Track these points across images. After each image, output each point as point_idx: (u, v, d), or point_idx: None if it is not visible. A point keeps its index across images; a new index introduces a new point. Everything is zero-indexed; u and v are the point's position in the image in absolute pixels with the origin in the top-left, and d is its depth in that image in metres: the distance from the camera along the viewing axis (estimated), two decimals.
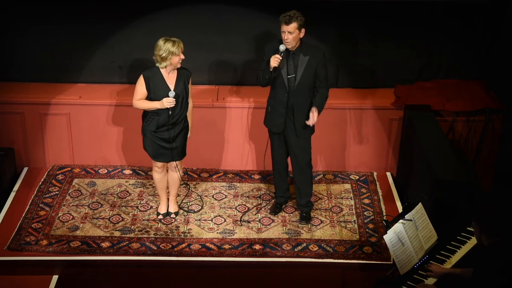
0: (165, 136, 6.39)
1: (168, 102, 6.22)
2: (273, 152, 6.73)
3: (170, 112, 6.28)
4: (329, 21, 7.36)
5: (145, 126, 6.42)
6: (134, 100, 6.36)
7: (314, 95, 6.38)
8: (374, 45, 7.52)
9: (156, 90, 6.29)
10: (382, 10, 7.30)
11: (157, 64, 6.25)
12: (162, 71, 6.28)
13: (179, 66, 6.27)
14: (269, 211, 6.95)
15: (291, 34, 6.14)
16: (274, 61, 6.19)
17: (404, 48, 7.54)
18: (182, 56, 6.21)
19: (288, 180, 6.94)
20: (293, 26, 6.12)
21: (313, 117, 6.27)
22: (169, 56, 6.15)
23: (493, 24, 7.42)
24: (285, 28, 6.13)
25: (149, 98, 6.32)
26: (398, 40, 7.50)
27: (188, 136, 6.56)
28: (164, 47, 6.13)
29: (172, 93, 6.23)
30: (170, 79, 6.30)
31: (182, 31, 6.98)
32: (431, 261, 5.41)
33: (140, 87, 6.31)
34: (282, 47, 6.21)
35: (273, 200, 7.05)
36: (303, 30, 6.20)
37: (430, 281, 5.27)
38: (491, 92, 7.45)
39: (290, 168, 6.84)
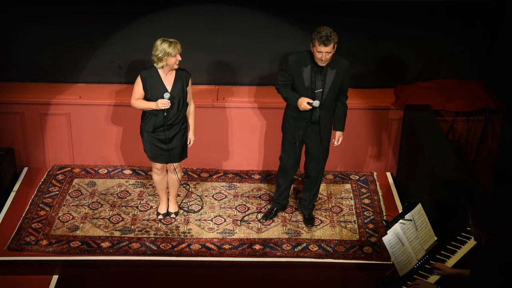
0: (162, 137, 6.38)
1: (162, 103, 6.21)
2: (284, 158, 6.60)
3: (165, 114, 6.28)
4: (329, 21, 7.31)
5: (143, 126, 6.42)
6: (132, 99, 6.37)
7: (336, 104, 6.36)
8: (374, 45, 7.51)
9: (153, 91, 6.28)
10: (382, 10, 7.30)
11: (155, 65, 6.25)
12: (160, 71, 6.28)
13: (175, 67, 6.25)
14: (262, 215, 6.90)
15: (329, 54, 6.00)
16: (302, 108, 6.12)
17: (404, 48, 7.54)
18: (179, 58, 6.19)
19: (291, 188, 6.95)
20: (331, 46, 5.96)
21: (338, 141, 6.45)
22: (165, 57, 6.14)
23: (493, 24, 7.42)
24: (323, 49, 5.94)
25: (146, 98, 6.32)
26: (398, 40, 7.50)
27: (192, 140, 6.54)
28: (161, 47, 6.13)
29: (167, 95, 6.22)
30: (168, 80, 6.30)
31: (182, 31, 6.99)
32: (431, 262, 5.41)
33: (138, 87, 6.31)
34: (316, 104, 6.10)
35: (269, 206, 7.00)
36: (336, 46, 6.05)
37: (433, 279, 5.28)
38: (491, 92, 7.45)
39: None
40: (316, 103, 6.11)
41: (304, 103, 6.10)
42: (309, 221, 6.79)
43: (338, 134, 6.46)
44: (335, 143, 6.46)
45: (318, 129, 6.35)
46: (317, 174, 6.63)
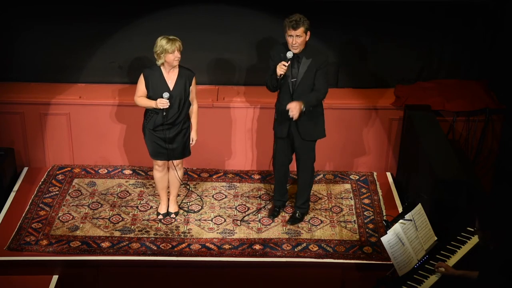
0: (163, 136, 6.39)
1: (161, 103, 6.21)
2: (275, 156, 6.68)
3: (164, 113, 6.28)
4: (329, 21, 7.36)
5: (145, 123, 6.43)
6: (135, 96, 6.40)
7: None
8: (374, 45, 7.52)
9: (155, 89, 6.29)
10: (382, 10, 7.30)
11: (156, 62, 6.26)
12: (162, 69, 6.29)
13: (175, 64, 6.25)
14: (267, 214, 6.93)
15: (299, 38, 6.08)
16: (281, 68, 6.12)
17: (404, 48, 7.54)
18: (178, 55, 6.19)
19: (288, 183, 6.93)
20: (301, 30, 6.06)
21: (291, 108, 6.14)
22: (163, 54, 6.16)
23: (493, 24, 7.42)
24: (293, 32, 6.06)
25: (149, 96, 6.33)
26: (398, 40, 7.50)
27: (195, 139, 6.53)
28: (159, 43, 6.16)
29: (166, 95, 6.22)
30: (170, 78, 6.30)
31: (182, 31, 6.98)
32: (433, 262, 5.41)
33: (140, 84, 6.34)
34: (289, 54, 6.13)
35: (271, 203, 7.02)
36: (308, 33, 6.15)
37: (432, 279, 5.28)
38: (491, 92, 7.45)
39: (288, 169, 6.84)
40: (289, 54, 6.14)
41: (279, 65, 6.14)
42: (294, 220, 6.77)
43: (296, 102, 6.17)
44: (288, 107, 6.19)
45: (296, 122, 6.35)
46: (301, 170, 6.62)
